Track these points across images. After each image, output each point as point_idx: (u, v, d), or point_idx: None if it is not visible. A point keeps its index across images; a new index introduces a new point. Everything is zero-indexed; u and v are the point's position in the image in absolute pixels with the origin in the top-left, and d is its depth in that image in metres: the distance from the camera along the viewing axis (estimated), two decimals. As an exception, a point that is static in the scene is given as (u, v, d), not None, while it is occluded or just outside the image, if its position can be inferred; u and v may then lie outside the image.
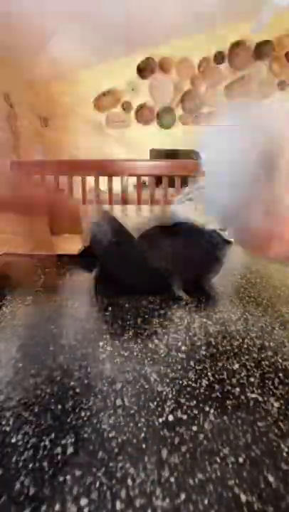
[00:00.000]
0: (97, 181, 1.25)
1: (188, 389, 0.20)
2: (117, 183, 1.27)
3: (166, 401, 0.19)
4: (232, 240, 0.42)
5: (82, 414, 0.18)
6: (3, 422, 0.17)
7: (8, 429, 0.16)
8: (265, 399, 0.19)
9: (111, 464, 0.15)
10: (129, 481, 0.14)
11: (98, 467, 0.15)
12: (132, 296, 0.33)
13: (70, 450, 0.15)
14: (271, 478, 0.14)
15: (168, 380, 0.20)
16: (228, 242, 0.41)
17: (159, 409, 0.18)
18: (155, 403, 0.18)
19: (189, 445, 0.16)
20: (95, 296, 0.33)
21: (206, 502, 0.13)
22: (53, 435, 0.16)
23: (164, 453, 0.15)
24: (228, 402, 0.19)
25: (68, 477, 0.14)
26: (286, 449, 0.15)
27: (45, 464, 0.15)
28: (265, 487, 0.14)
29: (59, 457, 0.15)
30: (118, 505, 0.13)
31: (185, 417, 0.17)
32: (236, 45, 4.19)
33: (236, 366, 0.22)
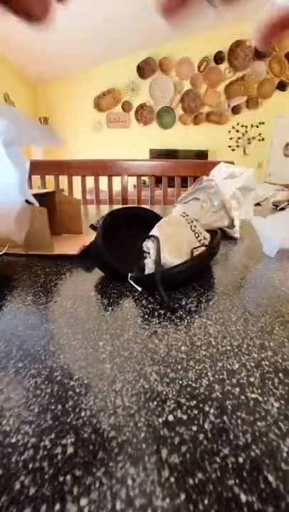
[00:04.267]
0: (97, 181, 1.25)
1: (188, 389, 0.20)
2: (117, 183, 1.27)
3: (166, 401, 0.19)
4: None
5: (82, 414, 0.18)
6: (3, 422, 0.17)
7: (8, 429, 0.16)
8: (265, 399, 0.19)
9: (111, 464, 0.15)
10: (129, 481, 0.14)
11: (98, 467, 0.15)
12: (132, 295, 0.33)
13: (70, 450, 0.15)
14: (271, 478, 0.14)
15: (168, 380, 0.20)
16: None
17: (159, 409, 0.18)
18: (155, 403, 0.18)
19: (189, 445, 0.16)
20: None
21: (206, 502, 0.13)
22: (53, 435, 0.16)
23: (164, 453, 0.15)
24: (228, 402, 0.19)
25: (68, 477, 0.14)
26: (286, 449, 0.15)
27: (45, 464, 0.15)
28: (265, 487, 0.14)
29: (59, 457, 0.15)
30: (118, 505, 0.13)
31: (185, 417, 0.17)
32: (236, 45, 4.19)
33: (236, 366, 0.22)
